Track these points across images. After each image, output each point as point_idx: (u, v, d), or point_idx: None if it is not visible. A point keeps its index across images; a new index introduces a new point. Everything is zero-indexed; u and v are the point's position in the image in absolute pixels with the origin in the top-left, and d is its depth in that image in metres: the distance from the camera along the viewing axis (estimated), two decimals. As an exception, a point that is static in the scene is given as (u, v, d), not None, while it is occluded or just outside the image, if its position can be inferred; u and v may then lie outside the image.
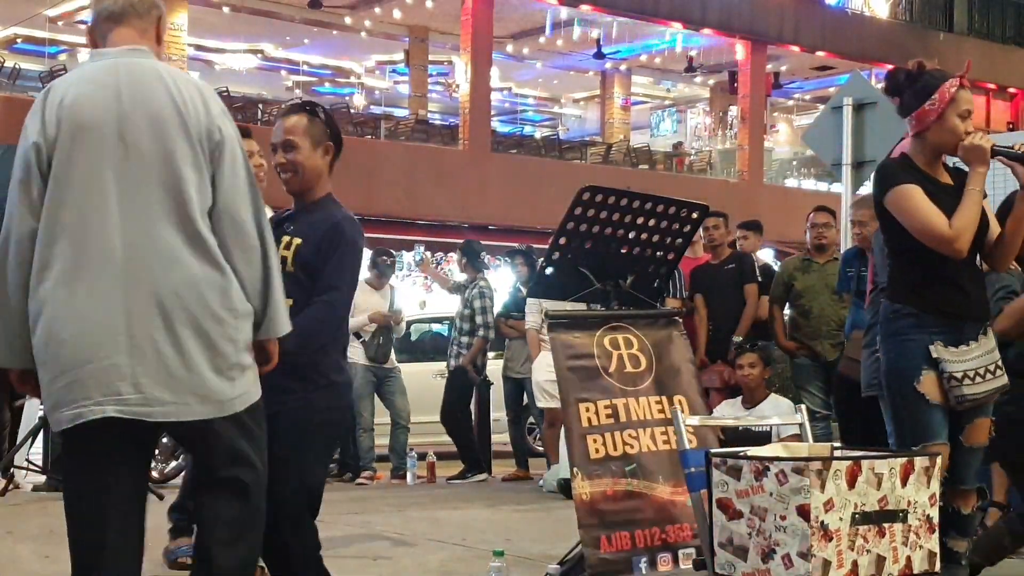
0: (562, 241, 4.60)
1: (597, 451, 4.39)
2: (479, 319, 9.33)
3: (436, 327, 13.10)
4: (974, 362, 3.86)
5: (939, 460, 3.49)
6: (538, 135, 25.32)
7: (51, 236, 2.91)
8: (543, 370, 7.85)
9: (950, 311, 3.89)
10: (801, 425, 3.94)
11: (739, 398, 7.13)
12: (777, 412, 6.64)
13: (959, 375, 3.83)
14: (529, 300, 8.44)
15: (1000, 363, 3.95)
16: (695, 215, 4.86)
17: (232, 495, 3.05)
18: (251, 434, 3.07)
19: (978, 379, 3.86)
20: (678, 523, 4.38)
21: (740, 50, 24.63)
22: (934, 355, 3.84)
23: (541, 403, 8.30)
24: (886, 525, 3.27)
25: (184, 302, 2.92)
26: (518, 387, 9.31)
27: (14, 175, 2.96)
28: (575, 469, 4.37)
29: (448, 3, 20.77)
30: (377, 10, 22.02)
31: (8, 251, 2.95)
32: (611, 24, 23.24)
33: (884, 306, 4.04)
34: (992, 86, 28.19)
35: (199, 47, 22.31)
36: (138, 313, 2.90)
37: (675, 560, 4.37)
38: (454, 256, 13.33)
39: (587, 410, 4.42)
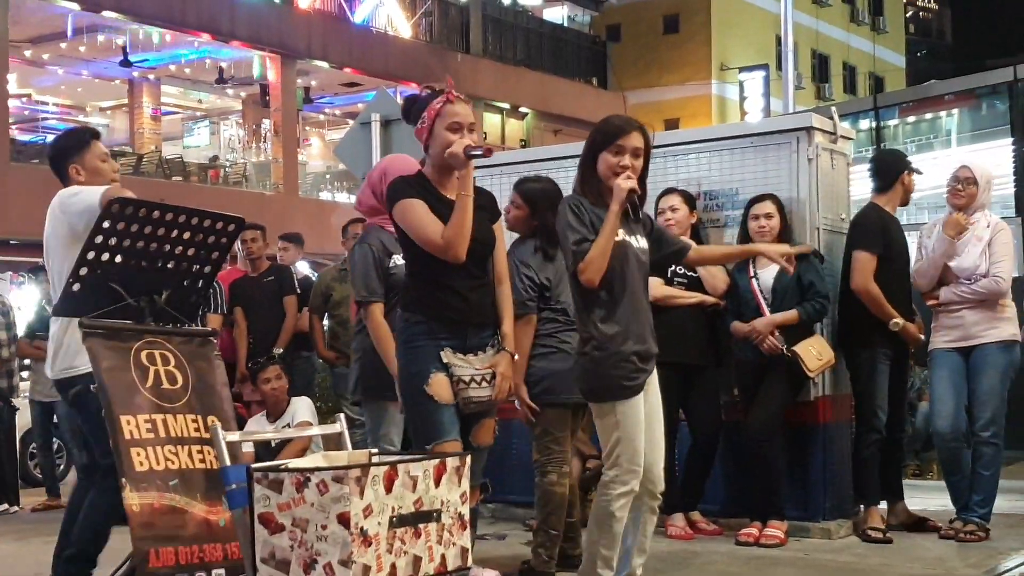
0: (90, 256, 4.41)
1: (142, 464, 4.31)
2: None
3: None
4: (479, 368, 4.19)
5: (468, 460, 3.67)
6: (62, 145, 23.92)
7: None
8: (91, 384, 7.54)
9: (454, 317, 4.18)
10: (340, 434, 4.02)
11: (263, 413, 7.12)
12: (299, 415, 6.79)
13: (467, 379, 4.15)
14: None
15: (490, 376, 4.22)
16: (231, 228, 4.83)
17: None
18: None
19: (484, 384, 4.19)
20: (212, 543, 4.38)
21: (270, 64, 24.67)
22: (444, 360, 4.14)
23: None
24: (422, 526, 3.40)
25: None
26: (47, 411, 8.78)
27: None
28: (124, 480, 4.25)
29: (-44, 2, 19.25)
30: None
31: None
32: (138, 31, 22.50)
33: (398, 315, 4.30)
34: (506, 106, 30.08)
35: None
36: None
37: None
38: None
39: (128, 423, 4.32)
